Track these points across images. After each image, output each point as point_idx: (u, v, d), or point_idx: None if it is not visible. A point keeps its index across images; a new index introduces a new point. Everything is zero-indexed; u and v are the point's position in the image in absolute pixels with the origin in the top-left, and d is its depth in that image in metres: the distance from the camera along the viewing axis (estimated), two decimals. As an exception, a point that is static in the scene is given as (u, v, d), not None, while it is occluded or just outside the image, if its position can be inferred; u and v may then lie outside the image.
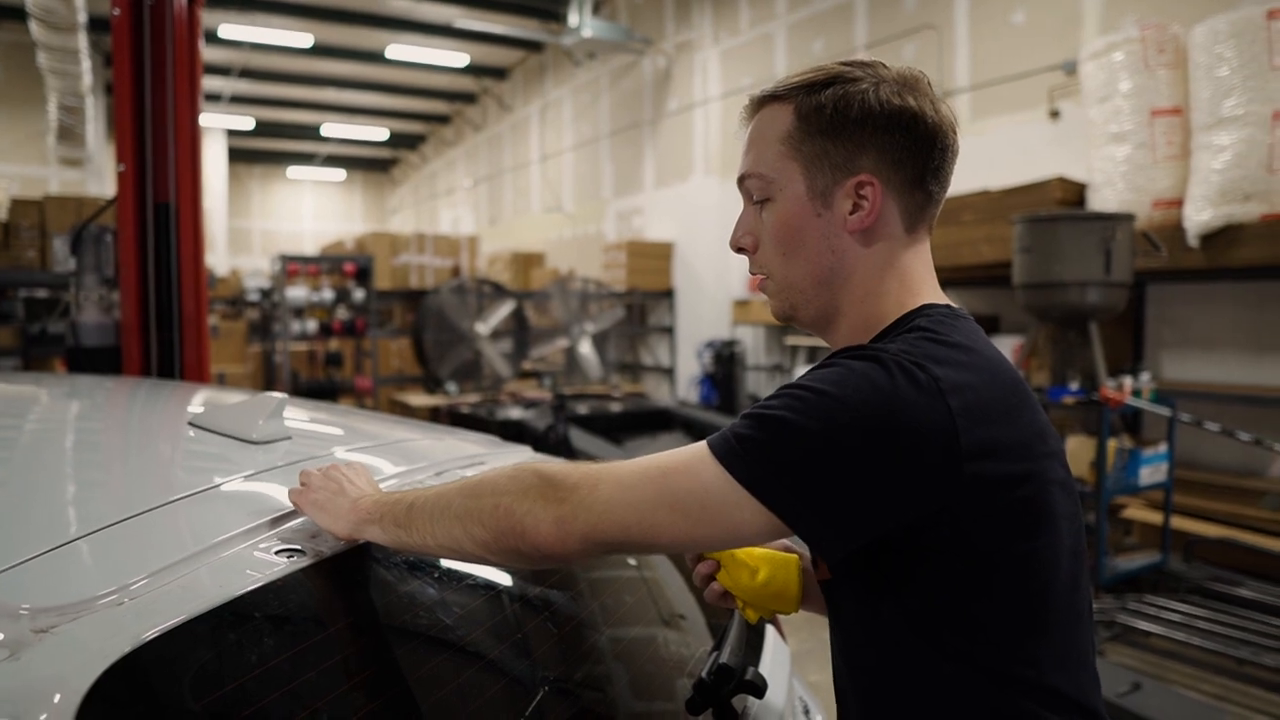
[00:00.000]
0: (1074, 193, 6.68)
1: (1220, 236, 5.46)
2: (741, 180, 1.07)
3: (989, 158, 8.07)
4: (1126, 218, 5.26)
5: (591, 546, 0.94)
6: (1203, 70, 5.84)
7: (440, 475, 1.47)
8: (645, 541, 0.93)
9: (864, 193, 1.01)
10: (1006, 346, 7.33)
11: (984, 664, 0.93)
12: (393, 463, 1.50)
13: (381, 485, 1.35)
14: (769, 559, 1.17)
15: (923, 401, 0.87)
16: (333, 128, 20.84)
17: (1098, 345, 5.24)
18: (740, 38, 11.44)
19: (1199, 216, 5.52)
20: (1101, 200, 6.33)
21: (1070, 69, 7.25)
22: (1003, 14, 8.15)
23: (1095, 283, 5.09)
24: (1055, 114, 7.67)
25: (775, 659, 1.46)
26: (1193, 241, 5.53)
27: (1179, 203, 5.83)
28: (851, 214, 1.02)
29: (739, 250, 1.08)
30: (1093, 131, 6.49)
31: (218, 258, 16.96)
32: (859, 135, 1.00)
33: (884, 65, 1.05)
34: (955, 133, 1.06)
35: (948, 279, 8.54)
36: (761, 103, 1.06)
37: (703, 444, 0.93)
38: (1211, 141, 5.64)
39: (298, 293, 8.75)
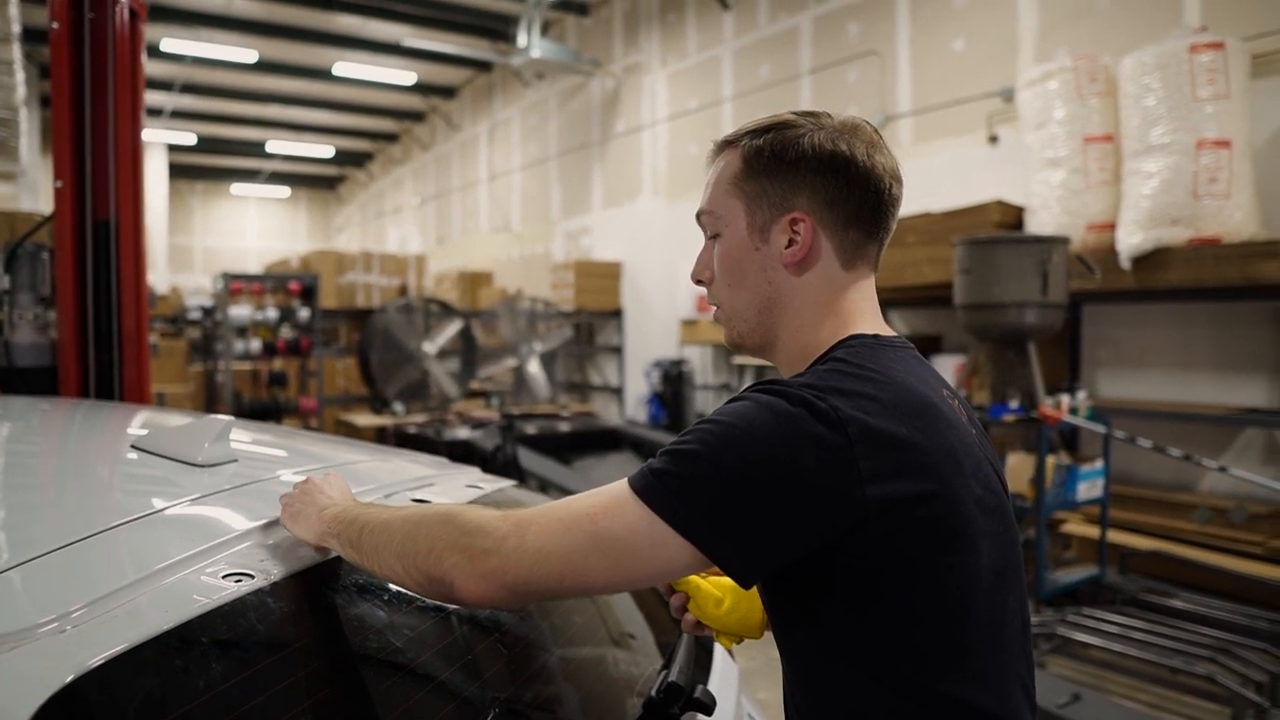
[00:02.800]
0: (1012, 216, 6.86)
1: (1150, 259, 5.64)
2: (698, 217, 1.16)
3: (931, 181, 8.25)
4: (1062, 240, 5.41)
5: (523, 597, 0.96)
6: (1131, 100, 6.05)
7: (389, 497, 1.46)
8: (579, 587, 0.95)
9: (797, 229, 1.08)
10: (948, 366, 7.48)
11: (899, 683, 0.96)
12: (341, 485, 1.49)
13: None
14: (733, 588, 1.19)
15: (821, 431, 0.92)
16: (278, 144, 20.59)
17: (1036, 364, 5.38)
18: (688, 60, 11.56)
19: (1130, 240, 5.70)
20: (1038, 223, 6.51)
21: (1008, 95, 7.45)
22: (943, 41, 8.35)
23: (1033, 303, 5.22)
24: (994, 139, 7.87)
25: (724, 676, 1.48)
26: (1125, 264, 5.71)
27: (1111, 226, 6.02)
28: (787, 248, 1.09)
29: (698, 283, 1.17)
30: (1030, 156, 6.67)
31: (158, 275, 16.61)
32: (794, 176, 1.08)
33: (829, 115, 1.12)
34: (895, 179, 1.12)
35: (892, 299, 8.75)
36: (720, 148, 1.15)
37: (624, 483, 0.96)
38: (1141, 168, 5.84)
39: (241, 311, 8.61)
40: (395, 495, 1.49)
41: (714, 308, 1.18)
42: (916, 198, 7.98)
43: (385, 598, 1.17)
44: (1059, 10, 7.43)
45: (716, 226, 1.13)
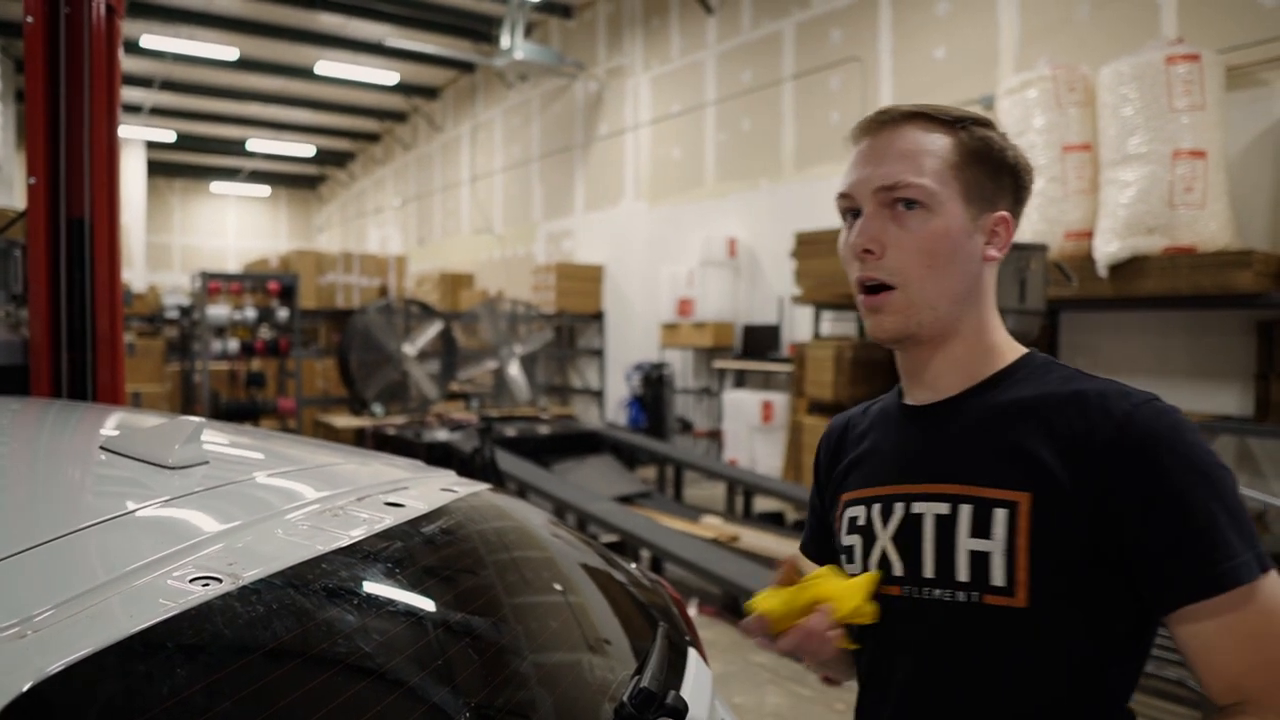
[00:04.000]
0: (991, 223, 6.89)
1: (1127, 267, 5.69)
2: (886, 188, 1.05)
3: (911, 187, 8.28)
4: (1040, 248, 5.45)
5: None
6: (1109, 109, 6.10)
7: (362, 500, 1.45)
8: None
9: (998, 229, 1.09)
10: (928, 371, 7.51)
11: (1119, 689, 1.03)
12: (314, 488, 1.47)
13: (303, 510, 1.33)
14: (858, 588, 1.09)
15: None
16: (259, 143, 20.46)
17: (1014, 371, 5.40)
18: (671, 65, 11.58)
19: (1107, 248, 5.75)
20: (1017, 231, 6.55)
21: (988, 104, 7.49)
22: (925, 49, 8.40)
23: (1011, 310, 5.25)
24: (974, 146, 7.91)
25: (697, 682, 1.47)
26: (1102, 272, 5.75)
27: (1089, 234, 6.07)
28: (987, 244, 1.08)
29: (866, 253, 1.05)
30: (1009, 164, 6.71)
31: (135, 274, 16.47)
32: (1004, 178, 1.09)
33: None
34: None
35: (871, 305, 8.76)
36: (907, 118, 1.08)
37: (1259, 578, 0.92)
38: (1118, 177, 5.89)
39: (219, 311, 8.55)
40: (369, 498, 1.48)
41: (875, 297, 1.07)
42: (897, 204, 8.01)
43: (355, 602, 1.16)
44: (1039, 20, 7.49)
45: (928, 201, 1.03)
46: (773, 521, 7.59)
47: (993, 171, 1.07)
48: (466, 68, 16.13)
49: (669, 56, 11.62)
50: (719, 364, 10.41)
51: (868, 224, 1.05)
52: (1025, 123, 6.52)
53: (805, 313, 9.19)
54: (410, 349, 9.44)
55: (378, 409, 9.26)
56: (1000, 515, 0.98)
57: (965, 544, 1.00)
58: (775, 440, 9.04)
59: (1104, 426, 0.96)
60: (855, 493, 1.16)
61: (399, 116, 19.54)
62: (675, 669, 1.46)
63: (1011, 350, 1.11)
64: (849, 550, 1.15)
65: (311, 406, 9.83)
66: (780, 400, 9.06)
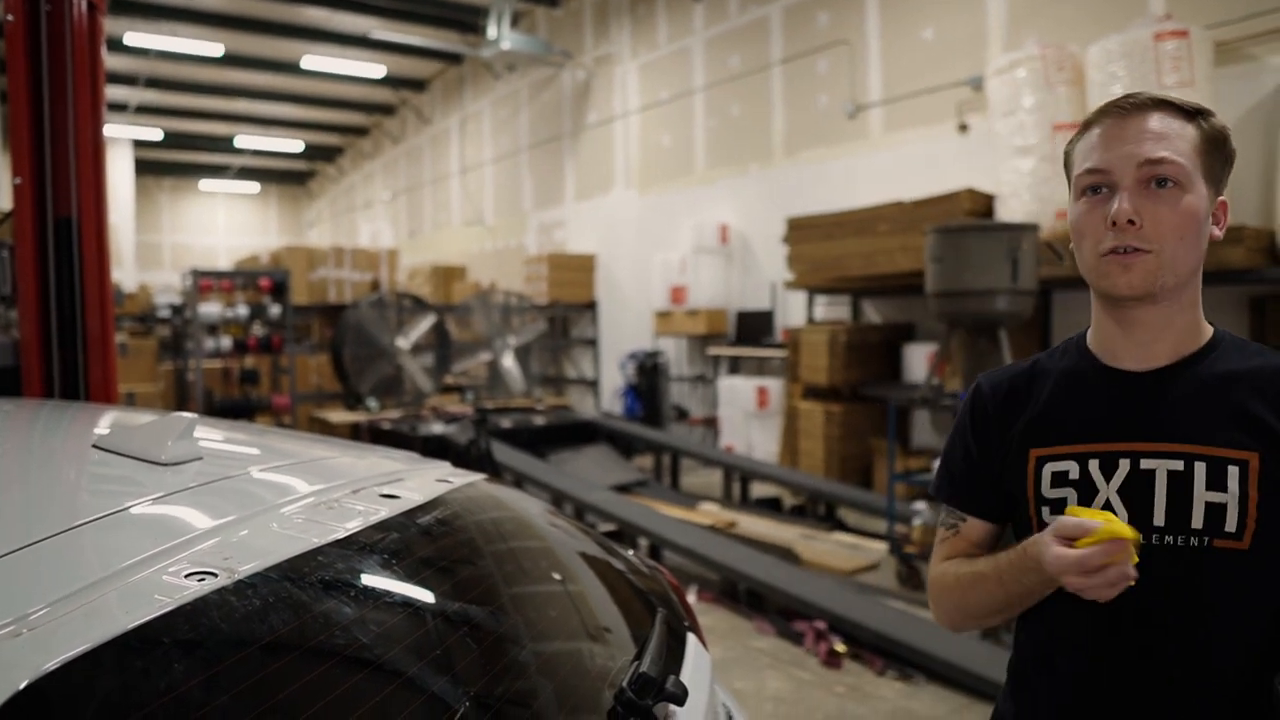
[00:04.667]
0: (982, 203, 6.90)
1: (1119, 245, 5.68)
2: (1154, 161, 1.16)
3: (902, 170, 8.28)
4: (1031, 228, 5.45)
5: None
6: (1098, 87, 6.10)
7: (357, 492, 1.45)
8: None
9: (1219, 213, 1.23)
10: (922, 353, 7.52)
11: None
12: (308, 481, 1.47)
13: (298, 504, 1.33)
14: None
15: None
16: (246, 139, 20.37)
17: (1007, 351, 5.41)
18: (658, 51, 11.54)
19: (1099, 226, 5.74)
20: (1008, 211, 6.55)
21: (977, 84, 7.49)
22: (913, 30, 8.38)
23: (1003, 290, 5.26)
24: (964, 127, 7.92)
25: (696, 667, 1.48)
26: (1094, 250, 5.75)
27: (1080, 213, 6.06)
28: (1214, 225, 1.22)
29: (1129, 224, 1.16)
30: (999, 144, 6.72)
31: (125, 273, 16.39)
32: (1227, 169, 1.22)
33: None
34: None
35: (865, 288, 8.80)
36: (1159, 104, 1.20)
37: None
38: (1109, 154, 5.88)
39: (211, 309, 8.52)
40: (364, 490, 1.48)
41: (1129, 254, 1.17)
42: (887, 187, 8.03)
43: (352, 594, 1.16)
44: (1026, 0, 7.48)
45: (1185, 181, 1.16)
46: (770, 507, 7.61)
47: (1224, 159, 1.21)
48: (454, 59, 16.07)
49: (656, 43, 11.58)
50: (713, 351, 10.41)
51: (1132, 199, 1.16)
52: (1015, 102, 6.52)
53: (798, 298, 9.19)
54: (404, 343, 9.42)
55: (372, 403, 9.25)
56: (1234, 471, 1.15)
57: (1202, 496, 1.16)
58: (771, 426, 9.05)
59: None
60: (1058, 449, 1.26)
61: (387, 110, 19.47)
62: (674, 654, 1.47)
63: (1207, 327, 1.25)
64: (1055, 502, 1.24)
65: (306, 402, 9.81)
66: (775, 386, 9.07)
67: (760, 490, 7.92)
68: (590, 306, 12.83)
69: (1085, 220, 1.21)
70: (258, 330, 8.74)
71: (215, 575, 1.01)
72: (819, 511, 7.13)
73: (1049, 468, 1.26)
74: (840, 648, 4.36)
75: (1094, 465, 1.22)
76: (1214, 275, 5.66)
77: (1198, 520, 1.15)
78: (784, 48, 9.74)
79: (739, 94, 10.35)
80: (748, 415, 9.25)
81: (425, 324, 9.70)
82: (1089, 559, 1.05)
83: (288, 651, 1.02)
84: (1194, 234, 1.17)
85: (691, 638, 1.60)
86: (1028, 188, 6.43)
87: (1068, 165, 1.29)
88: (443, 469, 1.82)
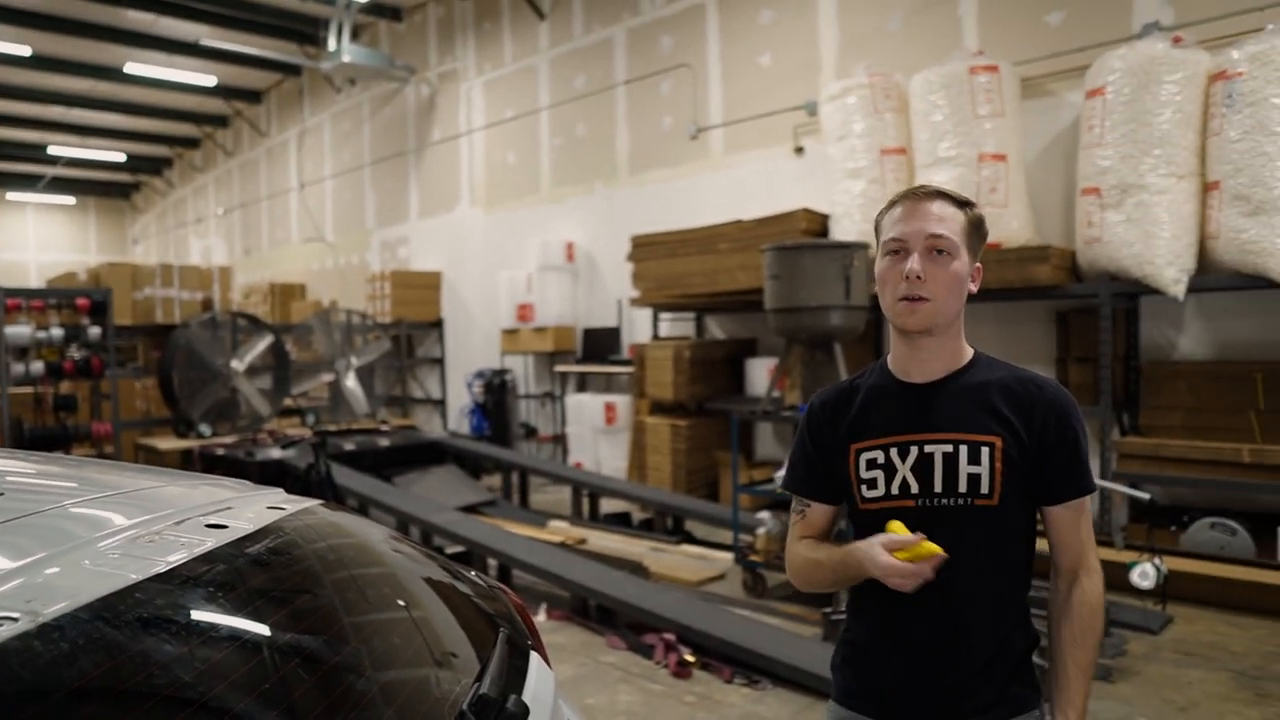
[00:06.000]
0: (818, 223, 7.20)
1: (941, 264, 6.04)
2: (935, 235, 1.60)
3: (742, 190, 8.55)
4: (863, 246, 5.72)
5: None
6: (921, 116, 6.49)
7: (181, 524, 1.38)
8: None
9: (975, 275, 1.66)
10: (764, 368, 7.76)
11: None
12: (127, 514, 1.39)
13: (115, 538, 1.26)
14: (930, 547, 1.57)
15: None
16: (61, 148, 19.03)
17: (842, 365, 5.66)
18: (504, 69, 11.52)
19: (923, 246, 6.09)
20: (842, 230, 6.87)
21: (812, 109, 7.82)
22: (751, 56, 8.68)
23: (837, 307, 5.49)
24: (800, 150, 8.25)
25: (539, 685, 1.48)
26: (919, 268, 6.09)
27: (907, 233, 6.41)
28: (972, 283, 1.65)
29: (918, 279, 1.58)
30: (832, 167, 7.03)
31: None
32: (982, 244, 1.69)
33: None
34: None
35: (708, 305, 8.98)
36: (940, 195, 1.65)
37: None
38: (931, 178, 6.27)
39: (20, 330, 7.90)
40: (189, 521, 1.41)
41: (920, 301, 1.60)
42: (728, 206, 8.27)
43: (174, 631, 1.11)
44: (856, 30, 7.87)
45: (954, 253, 1.61)
46: (619, 522, 7.67)
47: (981, 237, 1.67)
48: (292, 70, 15.53)
49: (502, 61, 11.55)
50: (560, 368, 10.42)
51: (920, 261, 1.60)
52: (846, 127, 6.84)
53: (644, 315, 9.32)
54: (238, 364, 9.00)
55: (205, 429, 8.79)
56: (986, 451, 1.60)
57: (965, 469, 1.60)
58: (619, 442, 9.13)
59: (1040, 397, 1.62)
60: (869, 442, 1.69)
61: (220, 121, 18.61)
62: (517, 674, 1.47)
63: (969, 350, 1.70)
64: (870, 481, 1.67)
65: (132, 429, 9.23)
66: (623, 402, 9.16)
67: (610, 506, 7.97)
68: (436, 325, 12.62)
69: (888, 273, 1.64)
70: (75, 353, 8.17)
71: (15, 619, 0.94)
72: (667, 525, 7.23)
73: (863, 456, 1.69)
74: (690, 658, 4.44)
75: (894, 452, 1.65)
76: (1024, 291, 6.11)
77: (963, 486, 1.60)
78: (628, 69, 9.90)
79: (585, 113, 10.44)
80: (596, 432, 9.29)
81: (261, 344, 9.29)
82: (908, 570, 1.52)
83: (100, 697, 0.97)
84: (959, 289, 1.62)
85: (535, 656, 1.60)
86: (859, 208, 6.75)
87: (878, 230, 1.71)
88: (275, 496, 1.76)
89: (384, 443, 8.56)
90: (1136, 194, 5.61)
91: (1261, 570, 5.18)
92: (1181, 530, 5.75)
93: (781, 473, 5.74)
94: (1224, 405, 5.83)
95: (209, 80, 15.36)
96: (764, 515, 5.69)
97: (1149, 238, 5.56)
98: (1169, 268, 5.52)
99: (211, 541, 1.32)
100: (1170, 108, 5.50)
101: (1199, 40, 5.70)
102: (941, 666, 1.62)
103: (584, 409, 9.44)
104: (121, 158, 20.41)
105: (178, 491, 1.71)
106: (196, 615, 1.17)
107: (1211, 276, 5.64)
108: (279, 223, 17.03)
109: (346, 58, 11.92)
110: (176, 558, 1.22)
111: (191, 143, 20.05)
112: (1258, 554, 5.44)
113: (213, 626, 1.18)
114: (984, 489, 1.60)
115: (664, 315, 9.18)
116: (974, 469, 1.60)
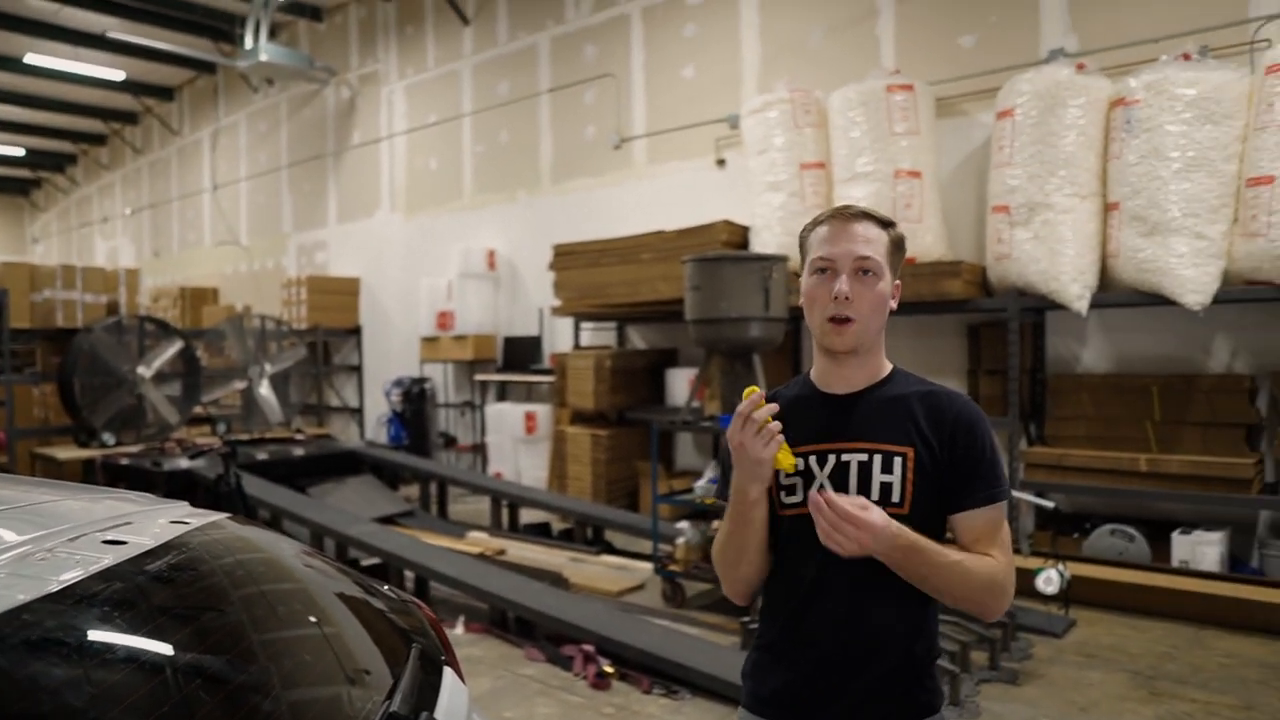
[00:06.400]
0: (738, 235, 7.29)
1: (858, 277, 6.17)
2: (863, 257, 1.64)
3: (664, 201, 8.60)
4: (782, 259, 5.81)
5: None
6: (840, 131, 6.62)
7: (77, 540, 1.33)
8: None
9: (895, 293, 1.71)
10: (683, 378, 7.81)
11: None
12: (18, 530, 1.34)
13: (4, 555, 1.20)
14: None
15: None
16: (-46, 142, 18.18)
17: (761, 375, 5.73)
18: (427, 73, 11.40)
19: (841, 259, 6.22)
20: (761, 242, 6.96)
21: (734, 123, 7.91)
22: (675, 67, 8.75)
23: (756, 318, 5.56)
24: (722, 162, 8.34)
25: (452, 701, 1.46)
26: (836, 281, 6.20)
27: (825, 247, 6.53)
28: (893, 300, 1.70)
29: (845, 299, 1.63)
30: (753, 180, 7.13)
31: None
32: (902, 262, 1.73)
33: None
34: None
35: (630, 315, 9.01)
36: (866, 215, 1.68)
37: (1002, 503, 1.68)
38: (849, 193, 6.40)
39: (-93, 333, 7.51)
40: (85, 537, 1.36)
41: (848, 321, 1.66)
42: (650, 217, 8.32)
43: (65, 653, 1.06)
44: (777, 45, 8.00)
45: (879, 273, 1.65)
46: (539, 532, 7.62)
47: (901, 255, 1.73)
48: (206, 68, 15.10)
49: (425, 65, 11.42)
50: (481, 377, 10.33)
51: (848, 283, 1.64)
52: (767, 141, 6.94)
53: (566, 324, 9.30)
54: (145, 370, 8.70)
55: (108, 437, 8.46)
56: (898, 460, 1.64)
57: (879, 478, 1.64)
58: (540, 451, 9.08)
59: (949, 410, 1.68)
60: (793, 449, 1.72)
61: (128, 117, 17.98)
62: (430, 689, 1.45)
63: (888, 364, 1.77)
64: (789, 487, 1.70)
65: (28, 438, 8.84)
66: (544, 411, 9.12)
67: (529, 516, 7.92)
68: (354, 331, 12.39)
69: (816, 291, 1.68)
70: (-33, 357, 7.80)
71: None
72: (587, 535, 7.22)
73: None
74: (608, 669, 4.43)
75: (814, 459, 1.69)
76: (937, 305, 6.27)
77: (876, 494, 1.63)
78: (552, 77, 9.88)
79: (508, 121, 10.39)
80: (516, 441, 9.23)
81: (170, 350, 9.00)
82: (740, 411, 1.59)
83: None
84: (883, 308, 1.68)
85: (448, 671, 1.58)
86: (779, 221, 6.85)
87: (803, 248, 1.74)
88: (179, 509, 1.71)
89: (298, 452, 8.36)
90: (1043, 213, 5.82)
91: (1157, 574, 5.41)
92: (1084, 537, 5.97)
93: (701, 483, 5.80)
94: (1123, 416, 6.08)
95: (117, 75, 14.84)
96: (683, 525, 5.72)
97: (1054, 255, 5.77)
98: (1073, 284, 5.73)
99: (109, 558, 1.28)
100: (1074, 130, 5.72)
101: (1101, 68, 5.94)
102: (848, 672, 1.65)
103: (504, 418, 9.37)
104: (20, 152, 19.57)
105: (76, 506, 1.65)
106: (92, 636, 1.13)
107: (1112, 293, 5.87)
108: (191, 225, 16.53)
109: (264, 57, 11.64)
110: (70, 576, 1.17)
111: (98, 139, 19.33)
112: (1153, 559, 5.69)
113: (109, 648, 1.13)
114: (895, 497, 1.63)
115: (586, 325, 9.17)
116: (886, 478, 1.64)
